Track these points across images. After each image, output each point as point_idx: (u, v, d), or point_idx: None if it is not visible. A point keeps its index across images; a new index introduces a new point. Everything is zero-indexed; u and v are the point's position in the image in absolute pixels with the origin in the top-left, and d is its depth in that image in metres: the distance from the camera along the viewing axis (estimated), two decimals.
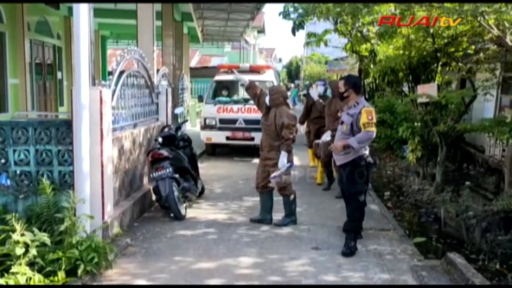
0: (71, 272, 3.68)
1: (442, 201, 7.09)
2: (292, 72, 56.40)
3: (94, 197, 4.45)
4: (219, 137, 10.16)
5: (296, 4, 10.24)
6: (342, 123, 4.81)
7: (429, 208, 7.20)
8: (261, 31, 33.40)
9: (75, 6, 4.22)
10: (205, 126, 10.31)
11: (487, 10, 4.96)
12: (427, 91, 7.69)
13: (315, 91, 8.22)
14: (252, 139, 10.02)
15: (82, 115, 4.31)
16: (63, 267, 3.62)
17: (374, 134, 4.62)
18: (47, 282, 3.48)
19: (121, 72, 5.33)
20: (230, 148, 11.23)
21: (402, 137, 9.28)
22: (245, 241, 4.98)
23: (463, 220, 6.00)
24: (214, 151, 11.00)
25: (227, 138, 10.09)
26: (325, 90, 8.19)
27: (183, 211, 5.72)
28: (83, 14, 4.19)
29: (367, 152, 4.80)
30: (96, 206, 4.47)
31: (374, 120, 4.58)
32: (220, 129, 10.11)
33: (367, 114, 4.55)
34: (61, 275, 3.56)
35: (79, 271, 3.70)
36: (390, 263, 4.38)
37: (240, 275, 4.10)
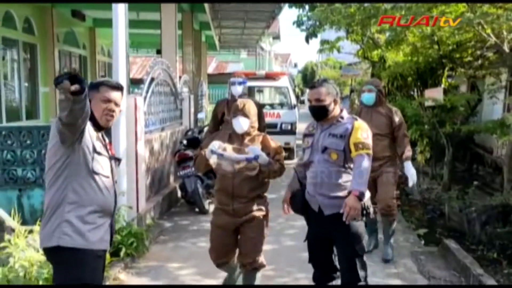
0: (114, 254, 4.29)
1: (449, 199, 7.54)
2: (308, 77, 56.79)
3: (130, 191, 5.06)
4: None
5: (309, 14, 10.80)
6: (325, 149, 3.16)
7: (436, 205, 7.65)
8: (277, 37, 33.98)
9: (114, 23, 4.84)
10: None
11: (481, 21, 5.43)
12: (434, 95, 8.15)
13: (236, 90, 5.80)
14: None
15: (120, 120, 4.91)
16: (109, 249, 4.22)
17: (370, 159, 3.14)
18: None
19: (151, 81, 5.95)
20: None
21: (411, 139, 9.74)
22: None
23: (465, 214, 6.45)
24: None
25: None
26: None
27: (207, 206, 6.30)
28: (121, 31, 4.81)
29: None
30: (131, 199, 5.08)
31: (370, 141, 3.16)
32: None
33: (361, 130, 3.12)
34: (107, 256, 4.16)
35: (121, 254, 4.32)
36: (394, 250, 4.86)
37: None
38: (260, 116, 5.45)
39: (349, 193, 3.04)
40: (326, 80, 3.31)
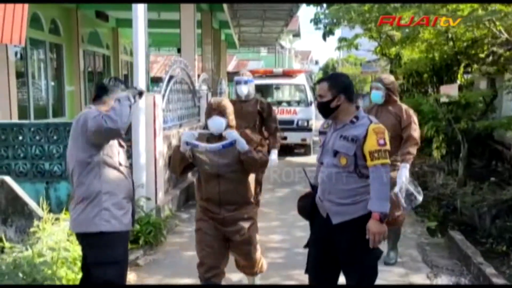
0: (134, 242, 4.59)
1: (463, 194, 7.62)
2: (329, 73, 56.67)
3: (149, 184, 5.35)
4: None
5: (326, 12, 10.95)
6: (336, 153, 2.90)
7: (450, 200, 7.73)
8: (297, 34, 34.13)
9: (134, 23, 5.13)
10: None
11: (493, 18, 5.53)
12: (449, 91, 8.24)
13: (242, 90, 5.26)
14: (285, 138, 10.76)
15: (139, 117, 5.20)
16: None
17: (388, 169, 2.84)
18: None
19: (169, 79, 6.22)
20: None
21: (427, 135, 9.81)
22: (275, 223, 5.75)
23: (476, 209, 6.55)
24: None
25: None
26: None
27: None
28: (141, 31, 5.09)
29: None
30: (150, 192, 5.37)
31: (388, 146, 2.84)
32: None
33: (378, 135, 2.81)
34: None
35: (140, 241, 4.61)
36: (400, 241, 5.02)
37: (271, 247, 4.91)
38: (270, 116, 5.28)
39: (359, 201, 2.82)
40: (335, 74, 3.09)
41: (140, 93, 3.06)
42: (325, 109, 2.92)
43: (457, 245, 4.45)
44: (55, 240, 3.50)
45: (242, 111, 4.88)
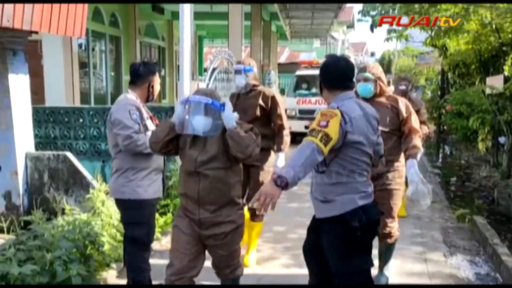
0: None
1: (505, 186, 7.60)
2: (384, 66, 55.46)
3: None
4: (298, 126, 11.15)
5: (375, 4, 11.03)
6: None
7: (491, 192, 7.74)
8: (351, 26, 33.82)
9: (180, 19, 5.60)
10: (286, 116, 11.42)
11: None
12: (494, 83, 8.20)
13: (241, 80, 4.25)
14: None
15: None
16: (171, 210, 5.06)
17: (316, 151, 2.45)
18: (161, 220, 4.88)
19: (214, 69, 6.69)
20: None
21: (472, 127, 9.73)
22: (309, 204, 6.05)
23: (511, 199, 6.59)
24: (294, 138, 12.06)
25: (306, 127, 11.10)
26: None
27: None
28: (186, 26, 5.57)
29: (364, 201, 2.66)
30: None
31: (333, 128, 2.50)
32: (300, 118, 11.17)
33: (323, 117, 2.56)
34: (169, 215, 5.00)
35: None
36: (425, 223, 5.25)
37: (302, 225, 5.24)
38: (276, 111, 4.23)
39: (329, 200, 2.69)
40: (323, 62, 2.88)
41: None
42: None
43: (478, 228, 4.62)
44: (106, 206, 4.07)
45: (244, 103, 4.17)
